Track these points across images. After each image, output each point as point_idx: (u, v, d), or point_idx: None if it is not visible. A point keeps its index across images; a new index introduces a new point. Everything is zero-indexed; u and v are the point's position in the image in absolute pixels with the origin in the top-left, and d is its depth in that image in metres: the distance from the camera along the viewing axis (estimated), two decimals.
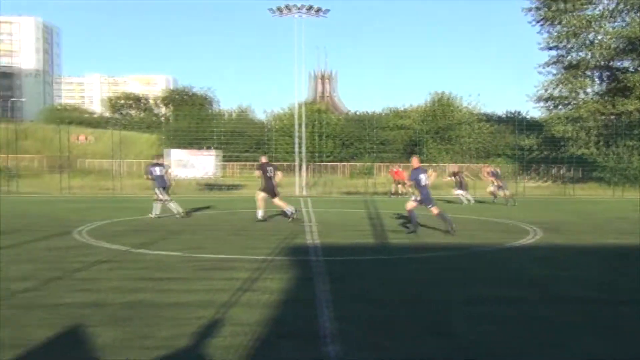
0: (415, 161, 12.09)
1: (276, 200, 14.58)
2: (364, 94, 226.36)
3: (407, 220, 12.69)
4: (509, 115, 52.61)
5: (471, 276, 7.58)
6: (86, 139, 50.72)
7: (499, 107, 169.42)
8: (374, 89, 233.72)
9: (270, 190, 14.49)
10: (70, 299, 5.99)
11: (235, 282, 6.86)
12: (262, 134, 41.24)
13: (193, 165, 33.11)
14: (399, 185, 27.09)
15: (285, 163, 38.72)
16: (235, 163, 41.65)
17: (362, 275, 7.57)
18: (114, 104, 77.03)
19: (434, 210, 11.96)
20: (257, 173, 14.98)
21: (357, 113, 60.20)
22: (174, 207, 15.47)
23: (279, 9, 32.09)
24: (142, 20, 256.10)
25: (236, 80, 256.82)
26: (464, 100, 53.04)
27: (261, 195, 14.44)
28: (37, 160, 42.47)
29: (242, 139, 40.62)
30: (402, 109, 58.58)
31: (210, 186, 32.10)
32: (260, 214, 14.39)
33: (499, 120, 51.06)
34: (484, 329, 5.07)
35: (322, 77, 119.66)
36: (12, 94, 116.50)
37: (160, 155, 17.22)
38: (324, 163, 43.52)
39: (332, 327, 5.01)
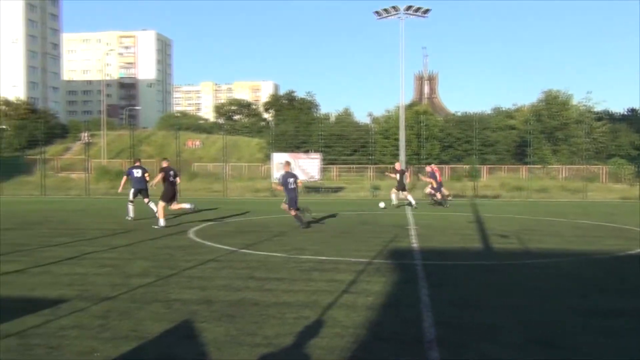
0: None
1: (173, 205, 14.25)
2: (467, 95, 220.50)
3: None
4: (628, 112, 48.89)
5: (580, 284, 7.12)
6: (197, 144, 53.42)
7: (613, 106, 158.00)
8: (476, 89, 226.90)
9: (171, 195, 14.03)
10: (182, 296, 6.33)
11: (336, 284, 6.92)
12: (364, 136, 41.29)
13: (296, 168, 33.81)
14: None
15: (388, 165, 38.55)
16: (336, 166, 42.05)
17: (463, 280, 7.36)
18: (223, 110, 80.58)
19: None
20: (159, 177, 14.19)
21: (460, 114, 58.62)
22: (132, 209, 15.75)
23: (385, 10, 32.11)
24: (248, 29, 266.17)
25: (338, 83, 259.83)
26: (575, 98, 50.05)
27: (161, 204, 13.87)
28: (153, 164, 45.28)
29: (343, 142, 40.92)
30: (510, 108, 56.39)
31: (312, 189, 32.64)
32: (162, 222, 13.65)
33: (616, 118, 47.60)
34: (598, 342, 4.74)
35: (424, 79, 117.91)
36: (131, 103, 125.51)
37: (138, 159, 16.86)
38: (426, 165, 42.70)
39: (433, 333, 4.91)
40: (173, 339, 4.77)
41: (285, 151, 36.72)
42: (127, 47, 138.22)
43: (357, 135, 42.54)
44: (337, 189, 33.48)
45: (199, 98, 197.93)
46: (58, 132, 54.68)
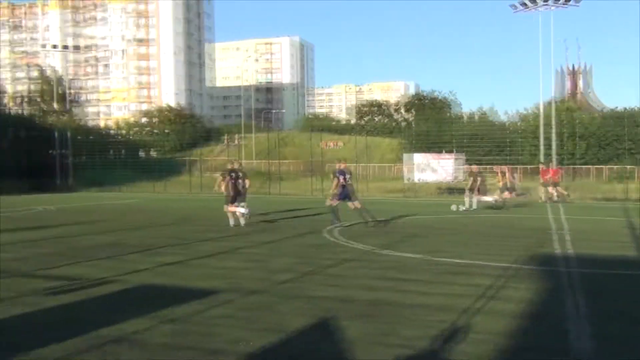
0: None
1: (231, 207, 13.94)
2: (618, 89, 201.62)
3: None
4: None
5: None
6: (334, 145, 54.57)
7: None
8: (627, 83, 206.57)
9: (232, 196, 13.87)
10: (321, 293, 6.51)
11: (476, 289, 6.69)
12: (505, 136, 39.45)
13: (434, 169, 33.28)
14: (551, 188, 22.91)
15: (529, 166, 36.47)
16: (476, 167, 40.53)
17: (620, 291, 6.74)
18: (358, 111, 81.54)
19: None
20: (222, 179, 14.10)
21: (617, 110, 53.66)
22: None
23: (524, 4, 30.46)
24: (382, 30, 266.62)
25: (477, 81, 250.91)
26: None
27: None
28: (293, 165, 47.07)
29: (483, 142, 39.42)
30: None
31: (450, 190, 31.85)
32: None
33: None
34: None
35: (573, 73, 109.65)
36: (273, 106, 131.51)
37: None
38: (577, 166, 39.74)
39: (585, 346, 4.56)
40: (314, 335, 4.92)
41: (422, 151, 36.25)
42: (270, 53, 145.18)
43: (496, 134, 40.73)
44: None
45: (334, 100, 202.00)
46: (208, 135, 58.86)
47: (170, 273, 7.75)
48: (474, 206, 19.43)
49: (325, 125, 71.97)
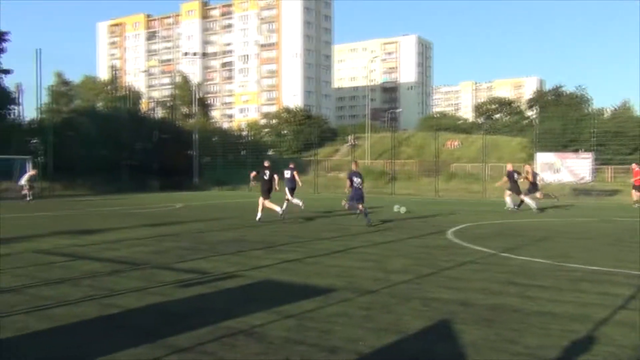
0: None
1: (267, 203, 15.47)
2: None
3: None
4: None
5: None
6: (456, 144, 53.18)
7: None
8: None
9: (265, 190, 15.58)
10: (440, 295, 6.38)
11: (611, 298, 6.20)
12: None
13: (563, 169, 31.34)
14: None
15: None
16: (611, 167, 37.56)
17: None
18: (483, 109, 78.74)
19: None
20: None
21: None
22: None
23: None
24: (509, 25, 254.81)
25: (611, 75, 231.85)
26: None
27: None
28: (411, 164, 46.58)
29: (619, 140, 36.37)
30: None
31: (582, 191, 29.78)
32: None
33: None
34: None
35: None
36: (393, 106, 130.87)
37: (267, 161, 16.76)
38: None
39: None
40: (432, 337, 4.85)
41: (550, 150, 34.25)
42: (389, 53, 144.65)
43: (636, 131, 37.30)
44: (612, 192, 29.91)
45: (457, 98, 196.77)
46: (328, 135, 59.88)
47: (290, 269, 8.01)
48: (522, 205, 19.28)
49: (447, 124, 70.32)
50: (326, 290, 6.60)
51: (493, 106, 77.50)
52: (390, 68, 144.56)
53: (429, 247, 10.45)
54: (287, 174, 18.09)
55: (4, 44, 37.05)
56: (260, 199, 15.67)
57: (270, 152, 54.23)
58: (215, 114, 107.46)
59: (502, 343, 4.64)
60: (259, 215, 15.47)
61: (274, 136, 57.18)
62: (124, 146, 38.63)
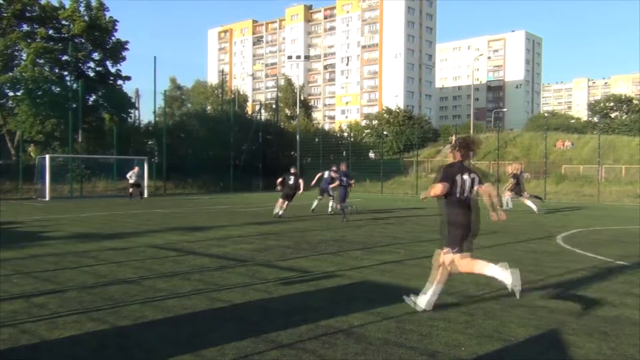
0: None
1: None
2: None
3: None
4: None
5: None
6: (568, 145, 50.25)
7: None
8: None
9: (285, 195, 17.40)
10: (548, 303, 6.08)
11: None
12: None
13: None
14: None
15: None
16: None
17: None
18: (599, 107, 73.85)
19: None
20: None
21: None
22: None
23: None
24: (625, 17, 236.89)
25: None
26: None
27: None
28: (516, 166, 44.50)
29: None
30: None
31: None
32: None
33: None
34: None
35: None
36: (499, 105, 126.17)
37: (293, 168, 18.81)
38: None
39: None
40: (539, 347, 4.63)
41: None
42: (495, 51, 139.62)
43: None
44: None
45: (569, 96, 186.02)
46: (430, 136, 58.87)
47: (390, 271, 7.97)
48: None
49: (559, 124, 66.71)
50: None
51: (610, 104, 72.43)
52: (496, 66, 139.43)
53: (536, 252, 9.97)
54: (326, 174, 19.49)
55: (124, 53, 39.97)
56: (280, 200, 17.37)
57: (371, 153, 54.26)
58: (318, 115, 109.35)
59: (618, 358, 4.33)
60: (277, 210, 17.15)
61: (375, 137, 57.10)
62: (230, 147, 40.28)
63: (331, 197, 18.45)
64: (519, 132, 61.79)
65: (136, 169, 26.86)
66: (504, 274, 5.50)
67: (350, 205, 17.13)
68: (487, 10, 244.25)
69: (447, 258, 5.67)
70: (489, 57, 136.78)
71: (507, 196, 20.07)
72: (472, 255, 5.79)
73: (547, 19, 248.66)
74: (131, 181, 26.52)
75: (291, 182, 17.38)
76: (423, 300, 5.72)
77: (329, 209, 18.51)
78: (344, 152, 47.51)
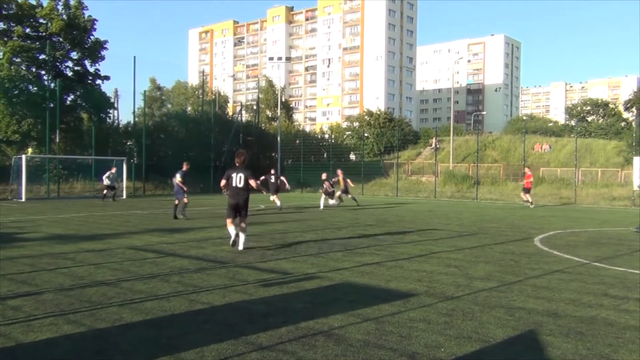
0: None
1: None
2: None
3: None
4: None
5: None
6: (546, 148, 50.93)
7: None
8: None
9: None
10: (526, 304, 6.15)
11: None
12: None
13: None
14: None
15: None
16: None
17: None
18: (576, 111, 75.00)
19: None
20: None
21: None
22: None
23: None
24: (604, 22, 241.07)
25: None
26: None
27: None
28: (495, 168, 45.12)
29: None
30: None
31: None
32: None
33: None
34: None
35: None
36: (478, 108, 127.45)
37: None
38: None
39: None
40: (517, 348, 4.68)
41: None
42: (475, 54, 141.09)
43: None
44: None
45: (547, 100, 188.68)
46: (410, 138, 59.18)
47: (370, 273, 7.99)
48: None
49: (536, 127, 67.57)
50: (406, 294, 6.54)
51: (587, 107, 73.61)
52: (475, 69, 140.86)
53: (514, 254, 10.08)
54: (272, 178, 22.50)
55: (103, 52, 39.50)
56: (272, 196, 21.76)
57: (351, 155, 54.39)
58: (299, 117, 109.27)
59: (594, 358, 4.40)
60: (278, 203, 21.34)
61: (356, 139, 57.23)
62: (211, 148, 40.07)
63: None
64: (498, 135, 62.47)
65: (113, 169, 26.42)
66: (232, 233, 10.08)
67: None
68: (467, 14, 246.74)
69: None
70: (468, 61, 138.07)
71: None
72: None
73: (526, 23, 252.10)
74: (106, 182, 25.97)
75: (272, 180, 22.10)
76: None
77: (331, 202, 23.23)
78: (325, 154, 47.60)
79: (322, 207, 22.23)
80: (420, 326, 5.22)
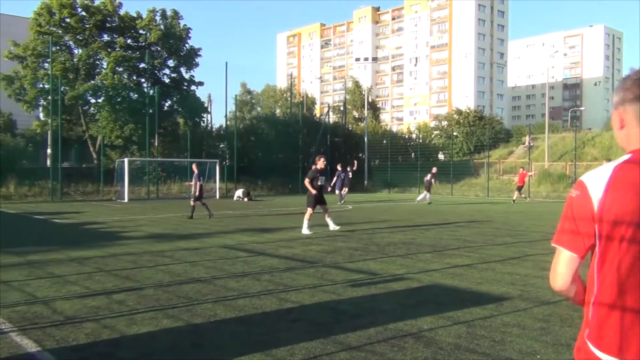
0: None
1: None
2: None
3: None
4: None
5: None
6: None
7: None
8: None
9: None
10: None
11: None
12: None
13: None
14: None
15: None
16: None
17: None
18: None
19: None
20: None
21: None
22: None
23: None
24: None
25: None
26: None
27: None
28: (596, 167, 42.54)
29: None
30: None
31: None
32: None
33: None
34: None
35: None
36: (576, 103, 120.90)
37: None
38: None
39: None
40: None
41: None
42: (572, 47, 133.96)
43: None
44: None
45: None
46: (502, 136, 57.16)
47: (460, 275, 7.80)
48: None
49: None
50: (499, 298, 6.32)
51: None
52: (572, 63, 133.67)
53: None
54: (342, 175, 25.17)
55: (197, 59, 41.33)
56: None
57: (440, 155, 53.36)
58: (385, 117, 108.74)
59: None
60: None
61: (444, 138, 56.09)
62: (299, 150, 40.77)
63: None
64: (598, 131, 58.90)
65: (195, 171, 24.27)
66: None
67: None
68: (562, 5, 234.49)
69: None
70: (565, 54, 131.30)
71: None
72: None
73: (628, 12, 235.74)
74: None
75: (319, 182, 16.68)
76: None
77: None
78: (412, 154, 47.01)
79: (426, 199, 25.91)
80: (515, 331, 5.03)
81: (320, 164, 13.76)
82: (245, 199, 29.40)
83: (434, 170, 26.84)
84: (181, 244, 11.15)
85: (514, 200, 27.75)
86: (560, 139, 52.02)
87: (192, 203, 17.71)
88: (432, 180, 26.92)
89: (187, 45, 40.82)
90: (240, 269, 8.27)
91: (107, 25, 38.87)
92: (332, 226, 13.37)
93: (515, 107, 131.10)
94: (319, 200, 13.42)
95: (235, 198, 30.10)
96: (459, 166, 43.80)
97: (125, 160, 29.99)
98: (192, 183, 17.94)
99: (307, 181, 13.66)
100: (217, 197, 31.55)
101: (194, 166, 18.19)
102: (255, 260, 9.05)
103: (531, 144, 45.40)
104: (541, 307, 5.93)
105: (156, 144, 36.18)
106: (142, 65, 38.47)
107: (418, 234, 13.04)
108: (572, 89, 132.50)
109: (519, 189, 28.20)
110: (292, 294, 6.54)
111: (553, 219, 17.07)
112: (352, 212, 20.81)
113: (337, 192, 26.01)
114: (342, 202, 25.36)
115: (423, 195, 26.58)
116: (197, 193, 17.48)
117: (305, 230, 13.12)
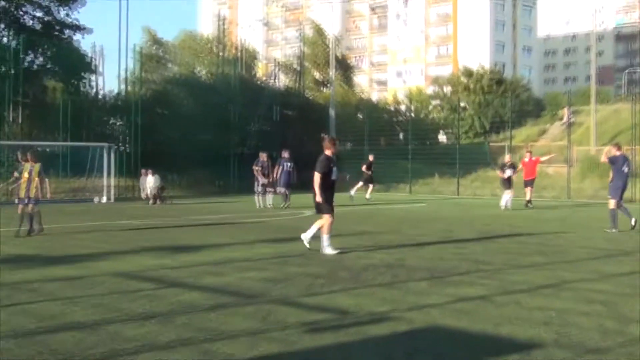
0: None
1: None
2: None
3: None
4: None
5: None
6: None
7: None
8: None
9: None
10: None
11: None
12: None
13: None
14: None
15: None
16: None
17: None
18: None
19: None
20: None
21: None
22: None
23: None
24: None
25: None
26: None
27: None
28: None
29: None
30: None
31: None
32: None
33: None
34: None
35: None
36: (631, 62, 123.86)
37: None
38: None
39: None
40: None
41: None
42: None
43: None
44: None
45: None
46: (531, 109, 58.20)
47: (470, 312, 7.86)
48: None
49: None
50: (526, 345, 6.39)
51: None
52: (627, 6, 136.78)
53: None
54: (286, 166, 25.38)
55: None
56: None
57: (441, 136, 53.97)
58: (362, 80, 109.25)
59: None
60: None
61: (447, 111, 56.82)
62: (233, 128, 40.56)
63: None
64: None
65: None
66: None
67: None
68: None
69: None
70: None
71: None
72: None
73: None
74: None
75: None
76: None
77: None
78: (401, 135, 47.38)
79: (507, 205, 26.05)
80: None
81: (332, 148, 13.40)
82: (151, 202, 29.27)
83: (371, 157, 28.11)
84: (53, 272, 10.92)
85: (528, 202, 27.66)
86: (612, 112, 53.28)
87: (29, 209, 16.60)
88: (368, 170, 28.67)
89: None
90: (143, 307, 8.13)
91: None
92: (308, 238, 13.31)
93: (548, 66, 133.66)
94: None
95: (143, 195, 30.04)
96: (469, 152, 44.35)
97: None
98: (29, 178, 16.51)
99: (317, 181, 13.10)
100: (111, 199, 31.10)
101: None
102: (166, 295, 8.92)
103: (571, 120, 46.25)
104: (586, 357, 6.01)
105: (20, 120, 35.39)
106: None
107: (409, 253, 13.12)
108: (629, 40, 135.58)
109: (529, 184, 27.84)
110: (222, 345, 6.45)
111: (603, 228, 17.43)
112: (310, 219, 20.79)
113: (279, 190, 26.26)
114: (288, 204, 25.31)
115: (355, 189, 28.20)
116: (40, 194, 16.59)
117: (327, 250, 12.84)
